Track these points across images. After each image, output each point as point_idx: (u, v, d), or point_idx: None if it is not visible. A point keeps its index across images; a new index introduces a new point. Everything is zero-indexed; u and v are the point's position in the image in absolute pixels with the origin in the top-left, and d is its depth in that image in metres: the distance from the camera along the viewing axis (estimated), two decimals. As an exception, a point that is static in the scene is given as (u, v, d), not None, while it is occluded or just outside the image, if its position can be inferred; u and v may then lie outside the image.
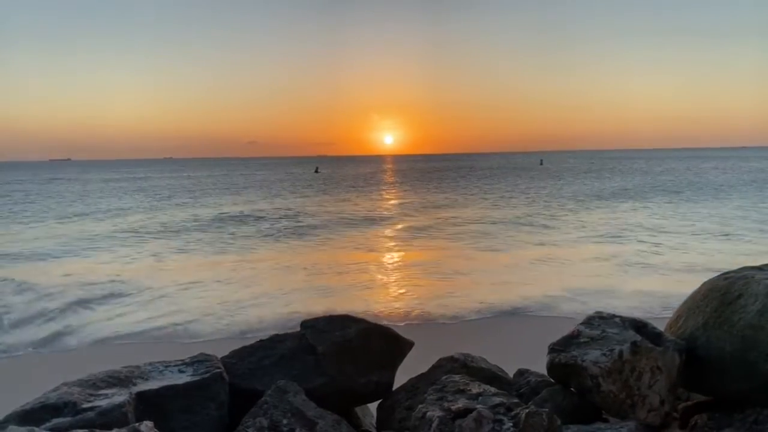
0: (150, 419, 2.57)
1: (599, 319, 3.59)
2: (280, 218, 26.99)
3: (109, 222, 26.92)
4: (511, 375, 3.77)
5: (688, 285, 4.04)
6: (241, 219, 27.07)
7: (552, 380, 3.51)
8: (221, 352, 3.60)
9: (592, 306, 9.62)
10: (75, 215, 30.42)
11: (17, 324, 10.40)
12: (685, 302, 3.82)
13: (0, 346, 9.21)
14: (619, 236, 19.42)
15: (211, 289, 12.92)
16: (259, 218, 27.11)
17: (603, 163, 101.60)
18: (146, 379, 3.13)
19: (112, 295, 12.44)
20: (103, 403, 2.75)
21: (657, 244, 17.48)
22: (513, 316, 10.41)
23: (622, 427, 2.86)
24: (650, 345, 3.29)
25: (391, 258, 16.91)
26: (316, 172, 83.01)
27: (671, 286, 11.97)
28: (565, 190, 41.39)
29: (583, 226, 22.04)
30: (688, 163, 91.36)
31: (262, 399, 3.01)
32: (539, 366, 3.64)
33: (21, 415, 2.69)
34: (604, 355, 3.20)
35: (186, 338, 9.53)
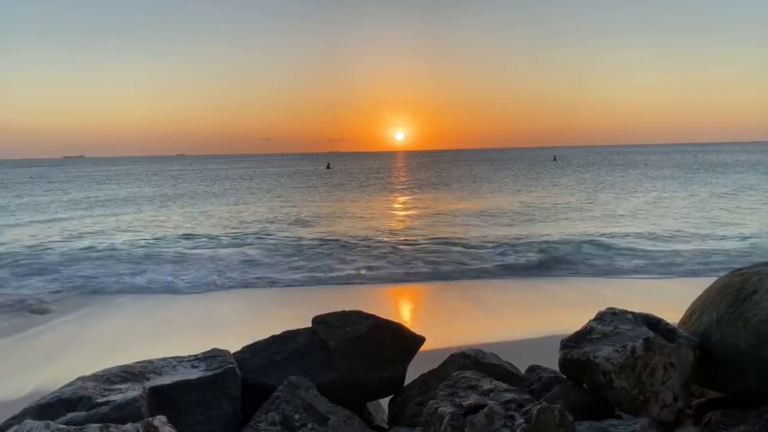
0: (163, 414, 2.59)
1: (611, 315, 3.56)
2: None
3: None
4: (522, 371, 3.76)
5: None
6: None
7: (564, 376, 3.50)
8: (234, 347, 3.62)
9: None
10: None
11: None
12: (699, 298, 3.78)
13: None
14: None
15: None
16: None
17: (605, 156, 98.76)
18: (159, 374, 3.15)
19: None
20: (117, 397, 2.78)
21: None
22: None
23: (634, 424, 2.83)
24: (663, 341, 3.26)
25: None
26: (328, 168, 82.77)
27: None
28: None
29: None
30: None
31: (275, 394, 3.03)
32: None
33: (37, 409, 2.73)
34: (617, 351, 3.18)
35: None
